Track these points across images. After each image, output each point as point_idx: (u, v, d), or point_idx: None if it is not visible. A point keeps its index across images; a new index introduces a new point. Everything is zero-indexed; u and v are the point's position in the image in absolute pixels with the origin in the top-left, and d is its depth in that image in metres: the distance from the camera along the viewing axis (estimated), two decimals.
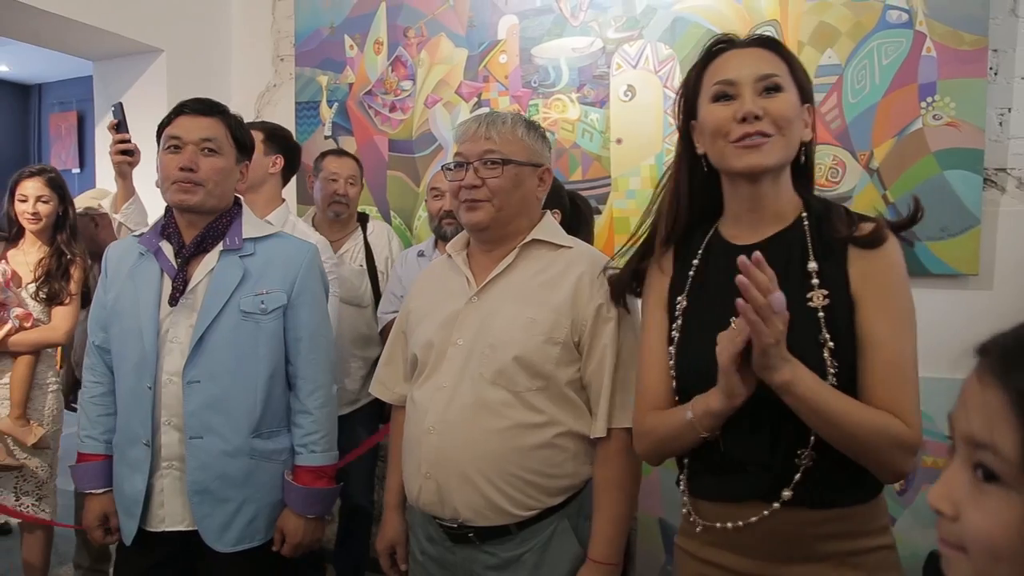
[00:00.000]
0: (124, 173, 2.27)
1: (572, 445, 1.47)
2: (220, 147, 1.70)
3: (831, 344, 1.11)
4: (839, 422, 1.07)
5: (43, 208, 2.68)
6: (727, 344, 1.08)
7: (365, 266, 2.76)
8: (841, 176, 2.58)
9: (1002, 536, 0.54)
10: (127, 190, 2.31)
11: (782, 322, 1.02)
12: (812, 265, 1.15)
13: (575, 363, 1.47)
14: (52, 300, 2.66)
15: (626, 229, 2.85)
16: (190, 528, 1.68)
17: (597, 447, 1.48)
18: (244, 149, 1.78)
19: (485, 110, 1.61)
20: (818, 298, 1.13)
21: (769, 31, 2.63)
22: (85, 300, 2.78)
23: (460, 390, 1.46)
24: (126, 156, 2.24)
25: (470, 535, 1.46)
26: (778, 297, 1.01)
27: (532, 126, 1.55)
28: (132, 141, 2.24)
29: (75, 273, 2.71)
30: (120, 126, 2.25)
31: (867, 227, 1.17)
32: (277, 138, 2.47)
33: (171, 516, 1.68)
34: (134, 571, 1.75)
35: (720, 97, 1.20)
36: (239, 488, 1.67)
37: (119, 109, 2.26)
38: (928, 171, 2.48)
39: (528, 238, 1.53)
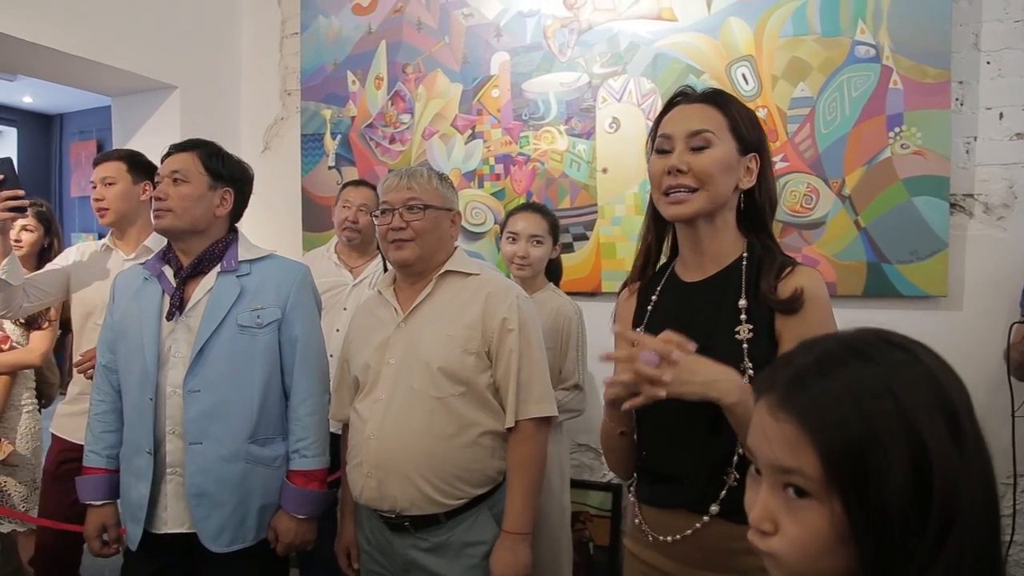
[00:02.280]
0: (5, 229, 2.25)
1: (490, 443, 1.74)
2: (187, 176, 1.87)
3: (751, 372, 1.22)
4: None
5: (26, 236, 2.87)
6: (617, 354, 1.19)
7: None
8: (815, 203, 2.70)
9: (816, 539, 0.66)
10: (5, 247, 2.27)
11: (667, 374, 1.11)
12: (742, 302, 1.27)
13: (488, 369, 1.72)
14: (31, 324, 2.78)
15: (612, 254, 2.99)
16: (190, 531, 1.80)
17: (509, 436, 1.73)
18: (219, 177, 1.91)
19: (410, 166, 1.82)
20: (744, 331, 1.25)
21: (745, 66, 2.78)
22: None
23: (394, 401, 1.71)
24: (15, 212, 2.21)
25: (406, 524, 1.71)
26: (645, 355, 1.12)
27: (443, 178, 1.81)
28: (24, 197, 2.21)
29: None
30: (7, 182, 2.19)
31: (786, 290, 1.25)
32: (141, 165, 2.51)
33: (173, 519, 1.80)
34: (140, 574, 1.86)
35: (660, 150, 1.32)
36: (234, 491, 1.80)
37: (7, 164, 2.21)
38: (897, 197, 2.60)
39: (443, 270, 1.77)
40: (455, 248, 1.85)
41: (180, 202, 1.85)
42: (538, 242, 2.50)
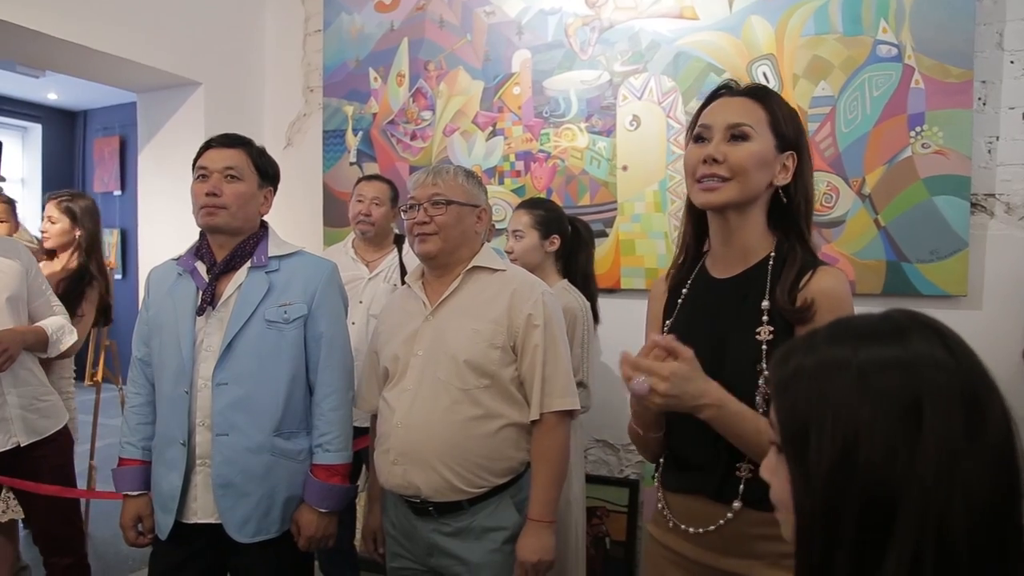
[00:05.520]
0: None
1: (513, 434, 1.78)
2: (241, 174, 1.88)
3: (767, 372, 1.23)
4: (752, 442, 1.20)
5: (54, 228, 2.99)
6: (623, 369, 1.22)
7: (399, 284, 2.90)
8: (835, 201, 2.71)
9: (782, 491, 0.72)
10: None
11: (659, 397, 1.18)
12: (765, 304, 1.28)
13: (513, 363, 1.77)
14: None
15: (631, 251, 3.01)
16: (218, 521, 1.82)
17: (533, 428, 1.78)
18: (266, 176, 1.95)
19: (438, 164, 1.90)
20: (764, 332, 1.26)
21: (766, 65, 2.79)
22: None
23: (421, 392, 1.77)
24: None
25: (430, 509, 1.76)
26: (636, 384, 1.18)
27: (470, 175, 1.87)
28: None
29: (90, 294, 2.91)
30: None
31: (801, 300, 1.27)
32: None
33: (203, 509, 1.83)
34: (168, 563, 1.88)
35: (698, 139, 1.34)
36: (259, 483, 1.82)
37: None
38: (917, 196, 2.60)
39: (470, 265, 1.82)
40: (482, 244, 1.89)
41: (236, 200, 1.86)
42: (519, 236, 2.53)
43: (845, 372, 0.67)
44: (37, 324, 2.42)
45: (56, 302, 2.55)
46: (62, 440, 2.47)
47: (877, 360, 0.66)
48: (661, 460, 1.44)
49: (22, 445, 2.31)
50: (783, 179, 1.32)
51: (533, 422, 1.78)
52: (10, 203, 3.22)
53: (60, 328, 2.46)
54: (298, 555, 1.92)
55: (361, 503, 3.27)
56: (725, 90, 1.37)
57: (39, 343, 2.39)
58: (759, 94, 1.35)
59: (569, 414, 1.81)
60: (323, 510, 1.87)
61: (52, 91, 7.21)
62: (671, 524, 1.36)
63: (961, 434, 0.63)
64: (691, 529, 1.33)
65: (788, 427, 0.69)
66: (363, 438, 2.23)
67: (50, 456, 2.40)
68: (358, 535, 3.19)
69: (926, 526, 0.62)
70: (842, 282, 1.29)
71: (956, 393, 0.65)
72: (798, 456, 0.68)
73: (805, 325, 1.24)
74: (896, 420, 0.64)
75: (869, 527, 0.64)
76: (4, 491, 2.49)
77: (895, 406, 0.64)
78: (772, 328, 1.26)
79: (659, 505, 1.41)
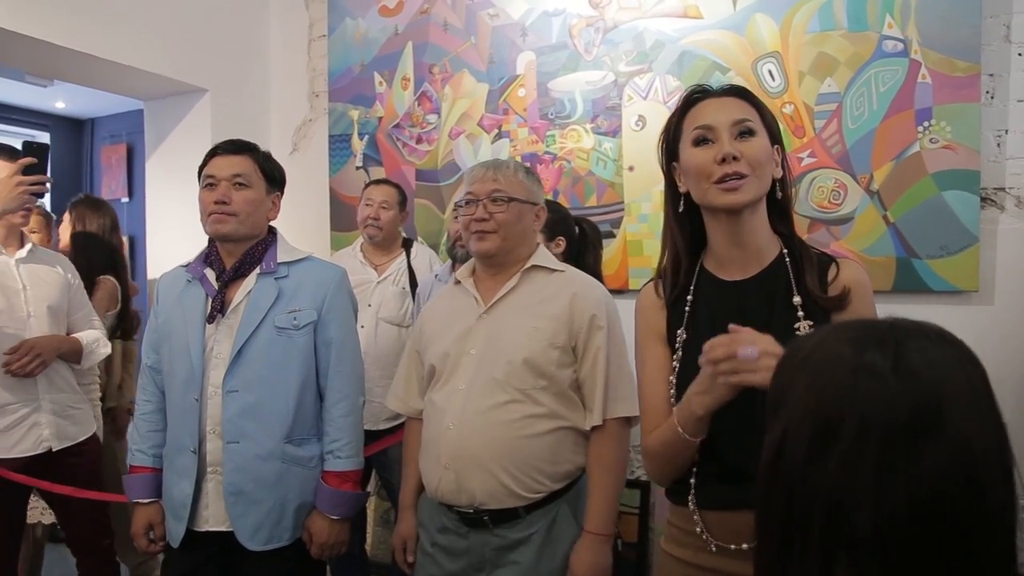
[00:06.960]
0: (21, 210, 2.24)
1: (571, 437, 1.71)
2: (249, 181, 1.88)
3: None
4: None
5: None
6: (718, 351, 1.13)
7: (408, 288, 2.89)
8: (843, 198, 2.69)
9: None
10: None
11: (772, 358, 1.06)
12: (797, 299, 1.28)
13: (571, 365, 1.70)
14: None
15: (639, 252, 3.00)
16: (230, 529, 1.82)
17: (593, 434, 1.71)
18: (274, 181, 1.95)
19: (496, 158, 1.84)
20: (804, 327, 1.25)
21: (771, 63, 2.77)
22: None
23: (474, 391, 1.69)
24: (35, 196, 2.21)
25: (485, 518, 1.68)
26: (745, 352, 1.09)
27: (529, 172, 1.81)
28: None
29: (96, 298, 2.87)
30: (38, 167, 2.16)
31: (835, 289, 1.28)
32: None
33: (214, 517, 1.83)
34: (180, 570, 1.89)
35: (700, 141, 1.31)
36: (271, 490, 1.82)
37: (43, 151, 2.20)
38: (926, 192, 2.58)
39: (528, 264, 1.77)
40: (538, 244, 1.85)
41: (245, 207, 1.86)
42: None
43: (802, 371, 0.68)
44: (73, 335, 2.46)
45: (95, 317, 2.58)
46: (91, 447, 2.51)
47: (827, 367, 0.67)
48: (692, 481, 1.33)
49: (54, 450, 2.34)
50: (778, 172, 1.34)
51: (594, 428, 1.70)
52: (47, 216, 3.24)
53: (95, 341, 2.50)
54: (310, 562, 1.92)
55: (371, 507, 3.28)
56: (701, 94, 1.36)
57: (73, 353, 2.43)
58: (742, 93, 1.36)
59: (629, 421, 1.73)
60: (335, 517, 1.87)
61: (60, 100, 7.23)
62: (713, 548, 1.29)
63: (877, 450, 0.62)
64: (744, 546, 1.25)
65: (768, 407, 0.72)
66: (372, 444, 2.23)
67: (80, 463, 2.44)
68: (368, 539, 3.19)
69: (831, 536, 0.62)
70: (864, 272, 1.34)
71: (888, 409, 0.63)
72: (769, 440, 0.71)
73: (842, 312, 1.26)
74: (817, 425, 0.65)
75: (793, 527, 0.65)
76: (35, 495, 2.53)
77: (818, 413, 0.65)
78: (811, 322, 1.26)
79: (697, 529, 1.31)
